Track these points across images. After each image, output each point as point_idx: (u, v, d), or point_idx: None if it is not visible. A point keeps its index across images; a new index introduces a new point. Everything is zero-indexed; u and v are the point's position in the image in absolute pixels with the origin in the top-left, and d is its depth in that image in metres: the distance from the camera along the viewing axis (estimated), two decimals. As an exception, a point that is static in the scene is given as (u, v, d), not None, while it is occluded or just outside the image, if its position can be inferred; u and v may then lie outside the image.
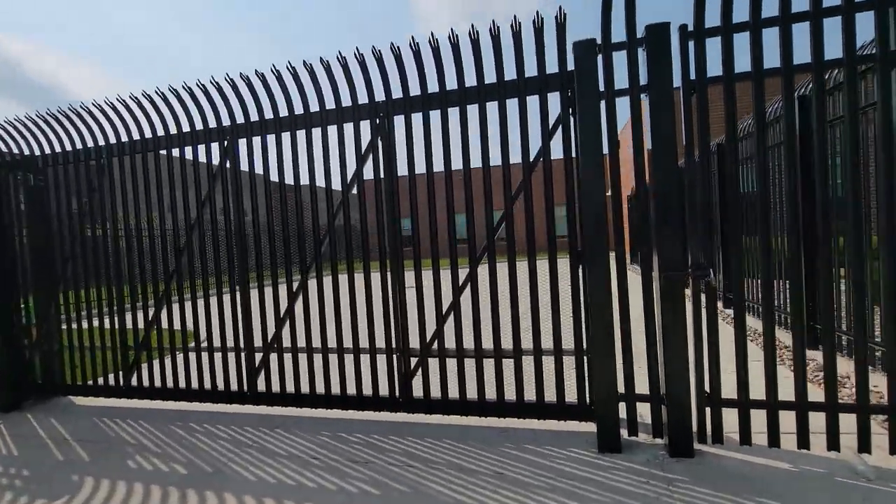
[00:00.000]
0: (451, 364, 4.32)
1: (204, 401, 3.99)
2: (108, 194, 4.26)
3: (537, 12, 2.87)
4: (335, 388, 3.69)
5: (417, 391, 3.48)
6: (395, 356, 3.46)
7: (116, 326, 4.26)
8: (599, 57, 2.79)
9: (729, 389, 3.12)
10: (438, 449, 3.04)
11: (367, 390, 3.57)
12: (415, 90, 9.41)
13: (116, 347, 4.25)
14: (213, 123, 9.93)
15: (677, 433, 2.69)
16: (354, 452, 3.08)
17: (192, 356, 4.08)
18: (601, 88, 2.81)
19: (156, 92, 3.83)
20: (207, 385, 4.01)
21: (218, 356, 4.46)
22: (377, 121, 3.40)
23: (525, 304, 6.12)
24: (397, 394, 3.47)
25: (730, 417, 2.91)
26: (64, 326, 4.55)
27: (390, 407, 3.47)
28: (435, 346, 3.37)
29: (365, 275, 3.52)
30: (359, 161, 3.47)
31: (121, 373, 4.26)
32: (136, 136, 5.47)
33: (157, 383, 4.17)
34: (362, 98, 3.61)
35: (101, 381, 4.36)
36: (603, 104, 2.81)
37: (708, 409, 2.82)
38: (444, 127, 3.25)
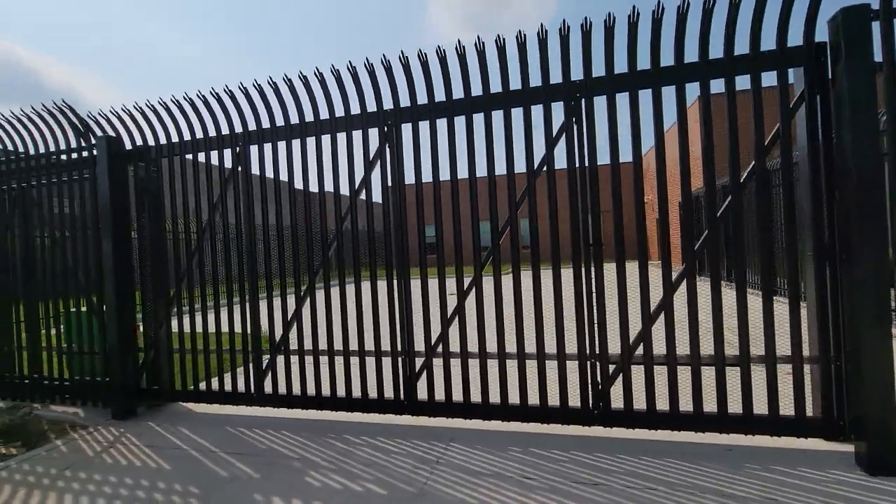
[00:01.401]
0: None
1: (353, 410, 3.64)
2: (239, 185, 3.94)
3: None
4: (512, 398, 3.32)
5: (615, 402, 3.11)
6: (587, 364, 3.11)
7: (248, 327, 3.92)
8: (875, 25, 2.45)
9: None
10: (669, 469, 2.68)
11: (552, 400, 3.21)
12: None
13: (248, 351, 3.91)
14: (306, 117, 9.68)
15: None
16: (570, 472, 2.72)
17: (338, 360, 3.66)
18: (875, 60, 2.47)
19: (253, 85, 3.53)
20: (356, 393, 3.66)
21: (369, 361, 3.97)
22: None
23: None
24: (591, 405, 3.11)
25: None
26: (177, 327, 4.22)
27: (584, 420, 3.12)
28: (638, 350, 3.02)
29: (554, 276, 3.18)
30: (547, 146, 3.14)
31: (251, 378, 3.92)
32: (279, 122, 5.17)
33: (296, 390, 3.82)
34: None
35: (227, 386, 4.02)
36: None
37: None
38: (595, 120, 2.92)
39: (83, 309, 4.43)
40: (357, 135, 3.55)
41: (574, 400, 3.16)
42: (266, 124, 3.87)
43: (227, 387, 4.01)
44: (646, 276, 3.01)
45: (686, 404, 2.98)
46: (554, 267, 3.15)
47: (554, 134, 3.13)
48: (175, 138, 4.07)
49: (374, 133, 3.54)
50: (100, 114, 4.13)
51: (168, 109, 3.98)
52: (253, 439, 3.48)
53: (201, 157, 4.05)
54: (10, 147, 4.52)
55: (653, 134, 2.99)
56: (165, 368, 4.28)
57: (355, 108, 3.60)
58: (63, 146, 4.31)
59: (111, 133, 4.19)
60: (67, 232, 4.35)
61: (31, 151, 4.42)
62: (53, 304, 4.46)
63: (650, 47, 2.89)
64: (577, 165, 3.09)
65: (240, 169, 3.90)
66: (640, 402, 3.11)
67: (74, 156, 4.24)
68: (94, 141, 4.16)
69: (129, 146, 4.22)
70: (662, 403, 3.14)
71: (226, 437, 3.53)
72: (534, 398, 3.30)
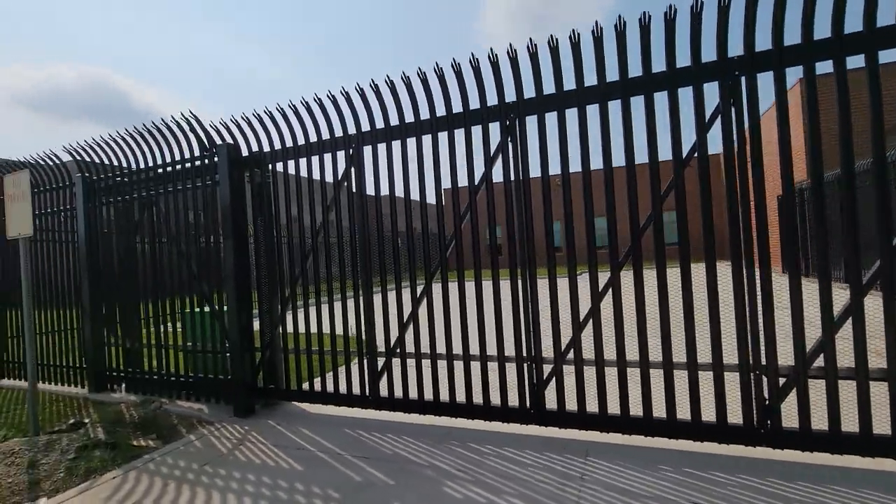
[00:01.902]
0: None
1: (473, 417, 3.50)
2: (354, 184, 3.94)
3: None
4: (657, 411, 3.02)
5: (787, 421, 2.73)
6: (751, 376, 2.75)
7: (362, 329, 3.90)
8: None
9: None
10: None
11: (707, 416, 2.87)
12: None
13: (363, 353, 3.89)
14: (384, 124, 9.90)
15: None
16: (747, 501, 2.39)
17: (458, 365, 3.53)
18: None
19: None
20: (477, 399, 3.52)
21: (491, 367, 3.82)
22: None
23: None
24: (755, 423, 2.75)
25: None
26: (292, 327, 4.29)
27: (749, 439, 2.75)
28: (818, 362, 2.62)
29: (709, 275, 2.85)
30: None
31: (366, 381, 3.89)
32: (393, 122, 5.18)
33: (413, 394, 3.74)
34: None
35: (341, 388, 4.02)
36: None
37: None
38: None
39: (205, 309, 4.66)
40: (476, 131, 3.39)
41: (734, 416, 2.81)
42: (380, 124, 3.80)
43: (342, 388, 4.01)
44: (828, 286, 2.60)
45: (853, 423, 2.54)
46: (709, 269, 2.82)
47: (708, 118, 2.81)
48: (289, 143, 4.15)
49: (494, 129, 3.39)
50: (221, 122, 4.30)
51: (284, 114, 4.07)
52: (375, 443, 3.43)
53: (309, 160, 4.10)
54: (133, 159, 4.83)
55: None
56: (280, 368, 4.38)
57: (473, 104, 3.46)
58: (179, 157, 4.54)
59: (229, 140, 4.35)
60: (189, 236, 4.58)
61: (158, 161, 4.70)
62: (174, 305, 4.71)
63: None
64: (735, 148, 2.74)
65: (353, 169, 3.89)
66: (819, 421, 2.70)
67: (197, 164, 4.45)
68: (214, 149, 4.35)
69: (245, 152, 4.37)
70: (820, 420, 2.71)
71: (347, 440, 3.51)
72: (683, 412, 2.98)
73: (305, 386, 4.18)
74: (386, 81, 3.58)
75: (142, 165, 4.80)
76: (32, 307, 3.82)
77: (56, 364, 5.58)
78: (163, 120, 4.40)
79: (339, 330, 6.04)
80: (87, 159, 5.11)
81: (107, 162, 5.05)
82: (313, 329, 7.29)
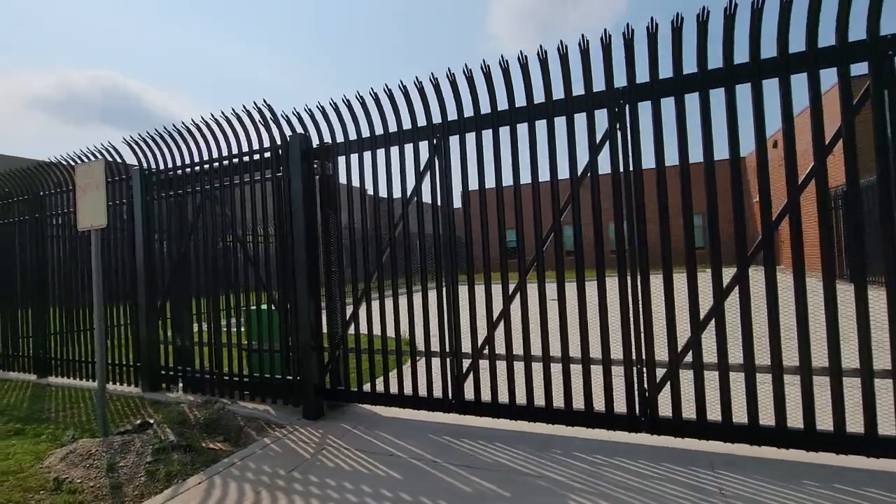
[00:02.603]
0: None
1: (573, 424, 3.28)
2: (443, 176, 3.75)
3: None
4: (794, 422, 2.76)
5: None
6: (907, 382, 2.50)
7: (445, 329, 3.69)
8: None
9: None
10: None
11: (853, 426, 2.62)
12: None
13: (446, 353, 3.68)
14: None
15: None
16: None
17: (555, 368, 3.29)
18: None
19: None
20: (578, 405, 3.29)
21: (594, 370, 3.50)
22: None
23: None
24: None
25: None
26: (365, 326, 4.10)
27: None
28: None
29: (825, 279, 2.61)
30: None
31: (449, 383, 3.68)
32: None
33: (503, 398, 3.52)
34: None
35: (421, 391, 3.81)
36: None
37: None
38: None
39: (264, 306, 4.48)
40: (580, 119, 3.19)
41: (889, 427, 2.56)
42: (469, 112, 3.61)
43: (421, 391, 3.80)
44: None
45: None
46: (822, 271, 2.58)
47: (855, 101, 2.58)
48: (366, 133, 3.97)
49: (600, 116, 3.18)
50: (294, 112, 4.13)
51: (362, 101, 3.89)
52: (469, 450, 3.22)
53: (388, 151, 3.92)
54: (196, 150, 4.68)
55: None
56: (343, 368, 4.18)
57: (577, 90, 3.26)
58: (247, 148, 4.38)
59: (300, 130, 4.19)
60: (254, 230, 4.42)
61: (224, 152, 4.54)
62: (235, 302, 4.53)
63: None
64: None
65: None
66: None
67: (266, 155, 4.29)
68: (286, 139, 4.17)
69: (315, 143, 4.20)
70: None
71: (437, 446, 3.30)
72: (824, 423, 2.72)
73: (378, 387, 3.97)
74: (482, 66, 3.39)
75: (203, 157, 4.65)
76: (103, 303, 3.66)
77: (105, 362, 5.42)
78: (233, 110, 4.24)
79: (395, 329, 5.84)
80: (145, 151, 4.97)
81: (160, 155, 4.91)
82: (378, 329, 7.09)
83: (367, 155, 3.98)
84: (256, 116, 4.16)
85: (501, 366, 3.85)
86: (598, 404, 3.24)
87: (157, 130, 4.79)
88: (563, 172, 3.25)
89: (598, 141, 3.18)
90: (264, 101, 4.05)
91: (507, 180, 3.49)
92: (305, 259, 4.05)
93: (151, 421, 3.97)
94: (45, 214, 5.98)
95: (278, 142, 4.21)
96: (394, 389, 3.89)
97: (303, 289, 4.06)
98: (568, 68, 3.20)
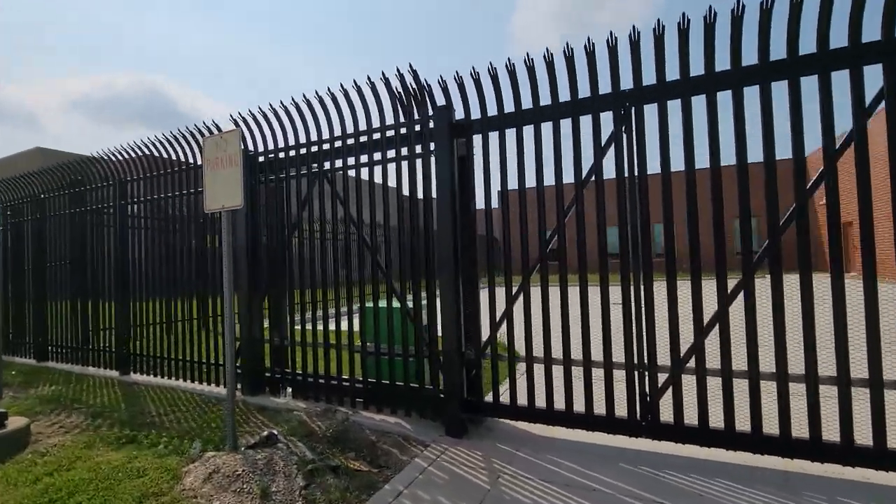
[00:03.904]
0: None
1: (796, 457, 2.65)
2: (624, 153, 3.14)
3: None
4: None
5: None
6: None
7: (632, 334, 3.08)
8: None
9: None
10: None
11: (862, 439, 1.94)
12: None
13: (633, 366, 3.07)
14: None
15: None
16: None
17: (796, 388, 2.68)
18: None
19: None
20: (831, 436, 2.64)
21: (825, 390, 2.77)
22: None
23: None
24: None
25: None
26: (521, 325, 3.51)
27: None
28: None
29: None
30: None
31: (637, 401, 3.07)
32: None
33: (716, 423, 2.89)
34: None
35: (597, 409, 3.20)
36: None
37: None
38: None
39: (383, 303, 3.95)
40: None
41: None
42: (675, 74, 3.00)
43: (598, 409, 3.19)
44: None
45: None
46: None
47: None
48: (527, 104, 3.39)
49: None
50: (440, 81, 3.58)
51: (512, 70, 3.31)
52: (686, 485, 2.60)
53: (557, 125, 3.34)
54: (315, 127, 4.18)
55: None
56: (481, 378, 3.62)
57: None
58: (379, 123, 3.85)
59: (441, 103, 3.64)
60: (385, 216, 3.89)
61: (350, 129, 4.02)
62: (355, 298, 4.01)
63: None
64: None
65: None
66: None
67: (402, 132, 3.75)
68: (430, 113, 3.64)
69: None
70: None
71: (641, 479, 2.69)
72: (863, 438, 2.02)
73: (561, 405, 3.34)
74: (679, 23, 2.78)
75: (323, 135, 4.15)
76: (232, 294, 3.17)
77: (193, 360, 4.97)
78: (368, 78, 3.72)
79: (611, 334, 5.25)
80: (252, 130, 4.51)
81: (268, 133, 4.44)
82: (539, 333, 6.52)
83: (528, 130, 3.40)
84: (396, 84, 3.63)
85: (712, 382, 3.20)
86: (861, 437, 2.58)
87: (260, 109, 4.32)
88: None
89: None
90: (410, 66, 3.52)
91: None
92: (452, 249, 3.50)
93: (276, 432, 3.47)
94: (128, 202, 5.60)
95: (416, 116, 3.68)
96: (574, 407, 3.28)
97: (449, 284, 3.50)
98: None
